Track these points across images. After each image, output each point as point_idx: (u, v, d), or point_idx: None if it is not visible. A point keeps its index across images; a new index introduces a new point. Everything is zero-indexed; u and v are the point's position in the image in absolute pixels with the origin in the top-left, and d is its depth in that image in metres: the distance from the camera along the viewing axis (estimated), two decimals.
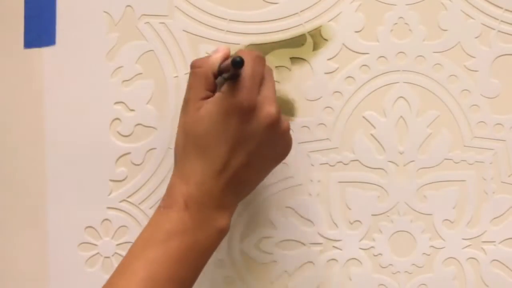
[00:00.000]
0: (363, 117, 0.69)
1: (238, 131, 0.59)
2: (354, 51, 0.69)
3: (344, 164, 0.69)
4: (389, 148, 0.69)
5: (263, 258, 0.69)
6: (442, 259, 0.70)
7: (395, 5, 0.69)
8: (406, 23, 0.69)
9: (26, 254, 0.69)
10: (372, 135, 0.69)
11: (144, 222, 0.69)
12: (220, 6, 0.69)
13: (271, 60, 0.69)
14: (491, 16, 0.69)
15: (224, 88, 0.59)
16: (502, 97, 0.69)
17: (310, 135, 0.69)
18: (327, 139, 0.69)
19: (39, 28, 0.69)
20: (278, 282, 0.70)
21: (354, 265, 0.70)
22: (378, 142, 0.69)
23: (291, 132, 0.67)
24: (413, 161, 0.69)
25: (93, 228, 0.69)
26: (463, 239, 0.70)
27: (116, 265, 0.68)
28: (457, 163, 0.69)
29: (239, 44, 0.69)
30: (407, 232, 0.70)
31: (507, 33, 0.69)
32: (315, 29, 0.69)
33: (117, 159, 0.69)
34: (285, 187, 0.69)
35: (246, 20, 0.69)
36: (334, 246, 0.70)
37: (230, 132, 0.59)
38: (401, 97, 0.69)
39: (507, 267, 0.70)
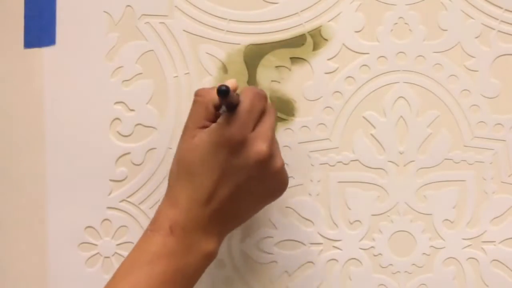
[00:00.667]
0: (363, 117, 0.69)
1: (226, 163, 0.59)
2: (354, 51, 0.69)
3: (344, 164, 0.69)
4: (389, 148, 0.69)
5: (263, 258, 0.69)
6: (442, 259, 0.70)
7: (395, 5, 0.69)
8: (406, 23, 0.69)
9: (26, 254, 0.69)
10: (372, 135, 0.69)
11: (144, 222, 0.69)
12: (220, 6, 0.69)
13: (271, 60, 0.69)
14: (491, 16, 0.69)
15: (220, 119, 0.60)
16: (502, 97, 0.69)
17: (310, 135, 0.69)
18: (327, 139, 0.69)
19: (39, 28, 0.69)
20: (278, 282, 0.70)
21: (354, 265, 0.70)
22: (378, 142, 0.69)
23: (291, 132, 0.67)
24: (413, 161, 0.69)
25: (93, 228, 0.69)
26: (463, 239, 0.70)
27: (116, 265, 0.69)
28: (457, 163, 0.69)
29: (239, 44, 0.69)
30: (407, 232, 0.70)
31: (507, 33, 0.69)
32: (315, 29, 0.69)
33: (117, 159, 0.69)
34: None
35: (246, 20, 0.69)
36: (334, 246, 0.70)
37: (218, 163, 0.59)
38: (401, 97, 0.69)
39: (507, 267, 0.70)
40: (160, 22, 0.69)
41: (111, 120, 0.69)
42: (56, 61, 0.69)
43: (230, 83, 0.62)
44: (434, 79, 0.69)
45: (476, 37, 0.69)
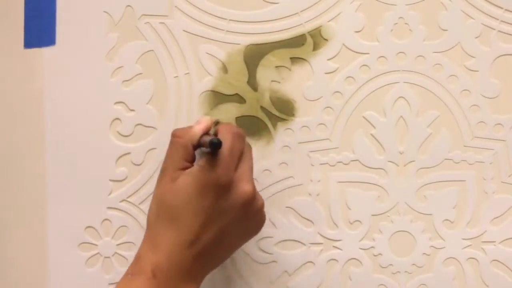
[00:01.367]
0: (363, 117, 0.69)
1: (212, 206, 0.59)
2: (354, 51, 0.69)
3: (344, 164, 0.69)
4: (389, 148, 0.69)
5: (263, 258, 0.69)
6: (442, 259, 0.70)
7: (395, 5, 0.69)
8: (406, 23, 0.69)
9: (26, 254, 0.69)
10: (372, 135, 0.69)
11: (144, 222, 0.69)
12: (220, 6, 0.69)
13: (271, 60, 0.69)
14: (491, 16, 0.69)
15: (202, 162, 0.59)
16: (502, 97, 0.69)
17: (310, 135, 0.69)
18: (327, 139, 0.69)
19: (39, 28, 0.69)
20: (278, 282, 0.70)
21: (354, 265, 0.70)
22: (378, 142, 0.69)
23: (291, 132, 0.67)
24: (413, 161, 0.69)
25: (93, 228, 0.69)
26: (463, 239, 0.70)
27: (116, 265, 0.69)
28: (457, 163, 0.69)
29: (239, 44, 0.69)
30: (407, 232, 0.70)
31: (507, 33, 0.69)
32: (315, 29, 0.69)
33: (117, 159, 0.69)
34: (285, 187, 0.69)
35: (246, 20, 0.69)
36: (334, 246, 0.70)
37: (204, 206, 0.59)
38: (401, 97, 0.69)
39: (507, 267, 0.70)
40: (160, 22, 0.69)
41: (111, 120, 0.69)
42: (56, 61, 0.69)
43: (205, 122, 0.62)
44: (434, 79, 0.69)
45: (476, 37, 0.69)
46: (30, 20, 0.69)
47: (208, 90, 0.69)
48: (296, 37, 0.69)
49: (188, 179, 0.59)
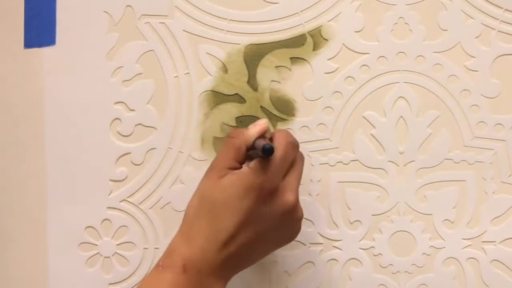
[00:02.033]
0: (363, 117, 0.69)
1: (251, 209, 0.59)
2: (354, 51, 0.69)
3: (344, 164, 0.69)
4: (389, 148, 0.69)
5: (263, 258, 0.69)
6: (442, 259, 0.70)
7: (395, 5, 0.69)
8: (406, 23, 0.69)
9: (26, 254, 0.69)
10: (372, 135, 0.69)
11: (144, 222, 0.69)
12: (220, 6, 0.69)
13: (271, 60, 0.69)
14: (491, 16, 0.69)
15: (252, 164, 0.59)
16: (502, 97, 0.69)
17: (310, 135, 0.69)
18: (327, 139, 0.69)
19: (39, 28, 0.69)
20: (278, 282, 0.70)
21: (354, 265, 0.70)
22: (378, 142, 0.69)
23: (291, 132, 0.67)
24: (413, 161, 0.69)
25: (93, 228, 0.69)
26: (463, 239, 0.70)
27: (116, 265, 0.69)
28: (457, 163, 0.69)
29: (239, 44, 0.69)
30: (407, 232, 0.70)
31: (507, 33, 0.69)
32: (315, 29, 0.69)
33: (117, 159, 0.69)
34: None
35: (246, 20, 0.69)
36: (334, 246, 0.70)
37: (244, 207, 0.59)
38: (401, 97, 0.69)
39: (507, 267, 0.70)
40: (160, 22, 0.69)
41: (111, 120, 0.69)
42: (56, 61, 0.69)
43: (261, 125, 0.62)
44: (434, 79, 0.69)
45: (476, 37, 0.69)
46: (30, 20, 0.69)
47: (208, 90, 0.69)
48: (296, 37, 0.69)
49: (234, 179, 0.59)
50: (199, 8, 0.69)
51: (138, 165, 0.69)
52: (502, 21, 0.69)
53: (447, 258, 0.70)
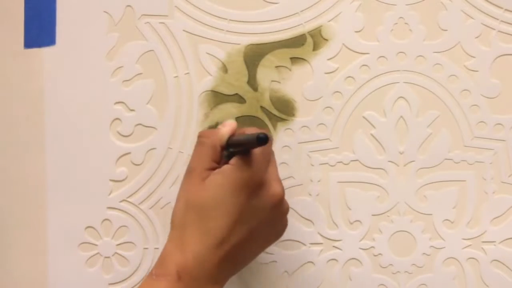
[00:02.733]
0: (363, 117, 0.69)
1: (244, 205, 0.58)
2: (354, 51, 0.69)
3: (344, 164, 0.69)
4: (389, 148, 0.69)
5: (263, 258, 0.69)
6: (442, 259, 0.70)
7: (395, 5, 0.69)
8: (406, 23, 0.69)
9: (26, 254, 0.69)
10: (372, 135, 0.69)
11: (144, 222, 0.69)
12: (220, 6, 0.69)
13: (271, 60, 0.69)
14: (491, 16, 0.69)
15: (234, 161, 0.59)
16: (502, 97, 0.69)
17: (310, 135, 0.69)
18: (327, 139, 0.69)
19: (39, 28, 0.69)
20: (278, 282, 0.70)
21: (354, 265, 0.70)
22: (378, 142, 0.69)
23: (291, 132, 0.67)
24: (413, 161, 0.69)
25: (93, 228, 0.69)
26: (463, 239, 0.70)
27: (116, 265, 0.69)
28: (457, 163, 0.69)
29: (239, 44, 0.69)
30: (407, 232, 0.70)
31: (507, 33, 0.69)
32: (315, 29, 0.69)
33: (117, 159, 0.69)
34: (285, 187, 0.69)
35: (246, 20, 0.69)
36: (334, 246, 0.70)
37: (236, 205, 0.58)
38: (401, 97, 0.69)
39: (507, 267, 0.70)
40: (160, 22, 0.69)
41: (111, 120, 0.69)
42: (56, 61, 0.69)
43: (230, 125, 0.62)
44: (434, 79, 0.69)
45: (476, 37, 0.69)
46: (30, 20, 0.69)
47: (208, 90, 0.69)
48: (296, 37, 0.69)
49: (219, 179, 0.58)
50: (199, 8, 0.69)
51: (138, 165, 0.69)
52: (502, 21, 0.69)
53: (447, 258, 0.70)
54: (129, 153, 0.69)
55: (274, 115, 0.69)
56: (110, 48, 0.69)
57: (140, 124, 0.69)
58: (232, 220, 0.58)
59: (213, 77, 0.69)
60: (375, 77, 0.69)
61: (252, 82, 0.69)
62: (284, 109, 0.69)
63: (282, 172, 0.69)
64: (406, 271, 0.70)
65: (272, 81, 0.69)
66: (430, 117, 0.69)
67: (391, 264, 0.70)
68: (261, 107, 0.69)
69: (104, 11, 0.69)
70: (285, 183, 0.69)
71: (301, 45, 0.69)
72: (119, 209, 0.69)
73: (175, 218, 0.60)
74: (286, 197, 0.67)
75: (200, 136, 0.62)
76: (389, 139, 0.69)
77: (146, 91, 0.69)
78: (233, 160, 0.59)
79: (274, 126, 0.69)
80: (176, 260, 0.58)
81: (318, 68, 0.69)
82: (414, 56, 0.69)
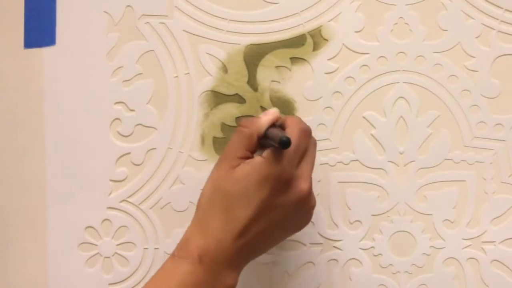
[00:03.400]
0: (363, 117, 0.69)
1: (267, 199, 0.59)
2: (354, 51, 0.69)
3: (344, 164, 0.69)
4: (389, 148, 0.69)
5: (263, 258, 0.69)
6: (442, 259, 0.70)
7: (395, 5, 0.69)
8: (406, 23, 0.69)
9: (26, 254, 0.69)
10: (372, 135, 0.69)
11: (144, 222, 0.69)
12: (220, 6, 0.69)
13: (271, 60, 0.69)
14: (491, 16, 0.69)
15: (266, 154, 0.59)
16: (502, 97, 0.69)
17: None
18: (327, 139, 0.69)
19: (39, 28, 0.69)
20: (278, 282, 0.70)
21: (354, 265, 0.70)
22: (378, 142, 0.69)
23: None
24: (413, 161, 0.69)
25: (93, 228, 0.69)
26: (463, 239, 0.70)
27: (116, 265, 0.69)
28: (457, 163, 0.69)
29: (239, 44, 0.69)
30: (407, 232, 0.70)
31: (507, 33, 0.69)
32: (315, 29, 0.69)
33: (117, 159, 0.69)
34: None
35: (246, 20, 0.69)
36: (334, 246, 0.70)
37: (259, 198, 0.59)
38: (401, 97, 0.69)
39: (507, 267, 0.70)
40: (160, 22, 0.69)
41: (111, 120, 0.69)
42: (56, 61, 0.69)
43: (272, 114, 0.62)
44: (434, 79, 0.69)
45: (476, 37, 0.69)
46: (30, 20, 0.68)
47: (208, 90, 0.69)
48: (296, 37, 0.69)
49: (248, 169, 0.59)
50: (199, 8, 0.69)
51: (138, 165, 0.69)
52: (502, 21, 0.69)
53: (447, 258, 0.70)
54: (129, 153, 0.69)
55: None
56: (110, 48, 0.69)
57: (140, 124, 0.69)
58: (255, 211, 0.59)
59: (213, 77, 0.69)
60: (375, 77, 0.69)
61: (252, 82, 0.69)
62: (284, 109, 0.69)
63: None
64: (406, 271, 0.70)
65: (272, 81, 0.69)
66: (430, 117, 0.69)
67: (391, 264, 0.70)
68: (261, 107, 0.69)
69: (104, 11, 0.69)
70: None
71: (301, 45, 0.69)
72: (119, 209, 0.69)
73: (201, 201, 0.61)
74: None
75: (239, 124, 0.62)
76: (389, 139, 0.69)
77: (146, 91, 0.69)
78: (265, 153, 0.59)
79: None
80: (198, 243, 0.59)
81: (318, 68, 0.69)
82: (414, 56, 0.69)
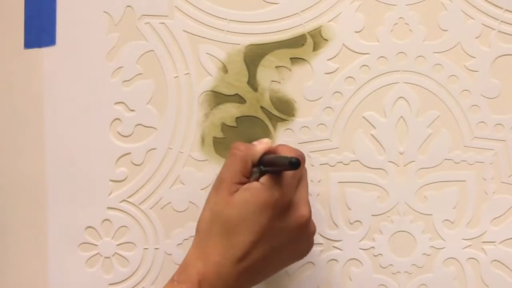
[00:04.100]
0: (363, 117, 0.69)
1: (268, 225, 0.59)
2: (354, 51, 0.69)
3: (344, 164, 0.69)
4: (389, 148, 0.69)
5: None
6: (442, 259, 0.70)
7: (395, 5, 0.69)
8: (406, 23, 0.69)
9: (26, 254, 0.69)
10: (372, 135, 0.69)
11: (144, 222, 0.69)
12: (220, 6, 0.69)
13: (271, 60, 0.69)
14: (491, 16, 0.69)
15: (264, 180, 0.59)
16: (502, 97, 0.69)
17: (310, 135, 0.69)
18: (327, 139, 0.69)
19: (39, 28, 0.69)
20: (278, 282, 0.70)
21: (354, 265, 0.70)
22: (378, 142, 0.69)
23: (291, 132, 0.67)
24: (413, 161, 0.69)
25: (93, 228, 0.69)
26: (463, 239, 0.70)
27: (116, 265, 0.69)
28: (457, 163, 0.69)
29: (239, 44, 0.69)
30: (407, 232, 0.70)
31: (507, 33, 0.69)
32: (315, 29, 0.69)
33: (117, 159, 0.69)
34: None
35: (246, 20, 0.69)
36: (334, 246, 0.70)
37: (260, 224, 0.59)
38: (401, 97, 0.69)
39: (507, 267, 0.70)
40: (160, 22, 0.69)
41: (111, 120, 0.69)
42: (56, 61, 0.69)
43: (266, 144, 0.63)
44: (434, 79, 0.69)
45: (476, 37, 0.69)
46: (30, 20, 0.68)
47: (208, 90, 0.69)
48: (296, 37, 0.69)
49: (247, 195, 0.59)
50: (199, 8, 0.69)
51: (138, 165, 0.69)
52: (502, 21, 0.69)
53: (447, 258, 0.70)
54: (129, 153, 0.69)
55: (274, 115, 0.69)
56: (110, 48, 0.69)
57: (140, 124, 0.69)
58: (255, 238, 0.59)
59: (213, 77, 0.69)
60: (375, 77, 0.69)
61: (252, 82, 0.69)
62: (284, 109, 0.69)
63: None
64: (406, 271, 0.70)
65: (272, 81, 0.69)
66: (430, 117, 0.69)
67: (391, 264, 0.70)
68: (261, 107, 0.69)
69: (104, 11, 0.69)
70: None
71: (301, 45, 0.69)
72: (119, 209, 0.69)
73: (200, 226, 0.61)
74: None
75: (233, 147, 0.62)
76: (389, 139, 0.69)
77: (146, 91, 0.69)
78: (263, 179, 0.60)
79: (274, 127, 0.69)
80: (197, 268, 0.59)
81: (318, 68, 0.69)
82: (414, 56, 0.69)
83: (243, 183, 0.60)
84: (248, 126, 0.68)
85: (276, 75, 0.69)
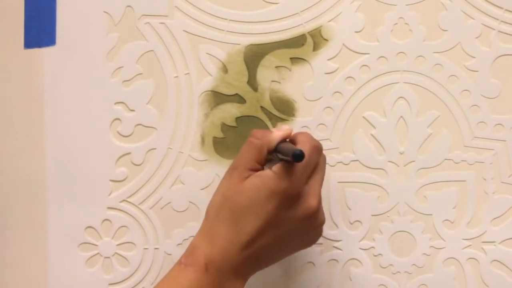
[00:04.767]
0: (363, 117, 0.69)
1: (274, 213, 0.59)
2: (354, 51, 0.69)
3: (344, 164, 0.69)
4: (389, 148, 0.69)
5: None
6: (442, 259, 0.70)
7: (395, 5, 0.69)
8: (406, 23, 0.69)
9: (26, 254, 0.69)
10: (372, 135, 0.69)
11: (144, 222, 0.69)
12: (220, 6, 0.69)
13: (271, 60, 0.69)
14: (491, 16, 0.69)
15: (276, 168, 0.59)
16: (502, 97, 0.69)
17: None
18: (327, 139, 0.69)
19: (39, 28, 0.69)
20: (278, 282, 0.70)
21: (354, 265, 0.70)
22: (378, 142, 0.69)
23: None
24: (413, 161, 0.69)
25: (93, 228, 0.69)
26: (463, 239, 0.70)
27: (116, 265, 0.69)
28: (457, 163, 0.69)
29: (239, 44, 0.69)
30: (407, 232, 0.70)
31: (507, 33, 0.69)
32: (315, 29, 0.69)
33: (117, 159, 0.69)
34: None
35: (246, 20, 0.69)
36: (334, 246, 0.70)
37: (267, 211, 0.59)
38: (401, 97, 0.69)
39: (507, 267, 0.70)
40: (160, 22, 0.69)
41: (111, 120, 0.69)
42: (56, 61, 0.69)
43: (285, 131, 0.62)
44: (434, 79, 0.69)
45: (476, 37, 0.69)
46: (30, 20, 0.68)
47: (208, 90, 0.69)
48: (296, 37, 0.69)
49: (257, 182, 0.59)
50: (199, 8, 0.69)
51: (138, 165, 0.69)
52: (502, 21, 0.69)
53: (447, 258, 0.70)
54: (129, 153, 0.69)
55: (274, 115, 0.69)
56: (110, 48, 0.69)
57: (140, 124, 0.69)
58: (262, 225, 0.59)
59: (213, 77, 0.69)
60: (375, 77, 0.69)
61: (252, 82, 0.69)
62: (284, 109, 0.69)
63: None
64: (406, 271, 0.70)
65: (272, 81, 0.69)
66: (430, 117, 0.69)
67: (391, 265, 0.70)
68: (261, 107, 0.69)
69: (104, 11, 0.69)
70: None
71: (301, 45, 0.69)
72: (119, 209, 0.69)
73: (210, 210, 0.61)
74: None
75: (251, 135, 0.62)
76: (389, 139, 0.69)
77: (146, 91, 0.69)
78: (276, 167, 0.59)
79: (274, 126, 0.69)
80: (205, 252, 0.60)
81: (318, 68, 0.69)
82: (414, 56, 0.69)
83: (256, 170, 0.60)
84: (248, 126, 0.68)
85: (276, 75, 0.69)
